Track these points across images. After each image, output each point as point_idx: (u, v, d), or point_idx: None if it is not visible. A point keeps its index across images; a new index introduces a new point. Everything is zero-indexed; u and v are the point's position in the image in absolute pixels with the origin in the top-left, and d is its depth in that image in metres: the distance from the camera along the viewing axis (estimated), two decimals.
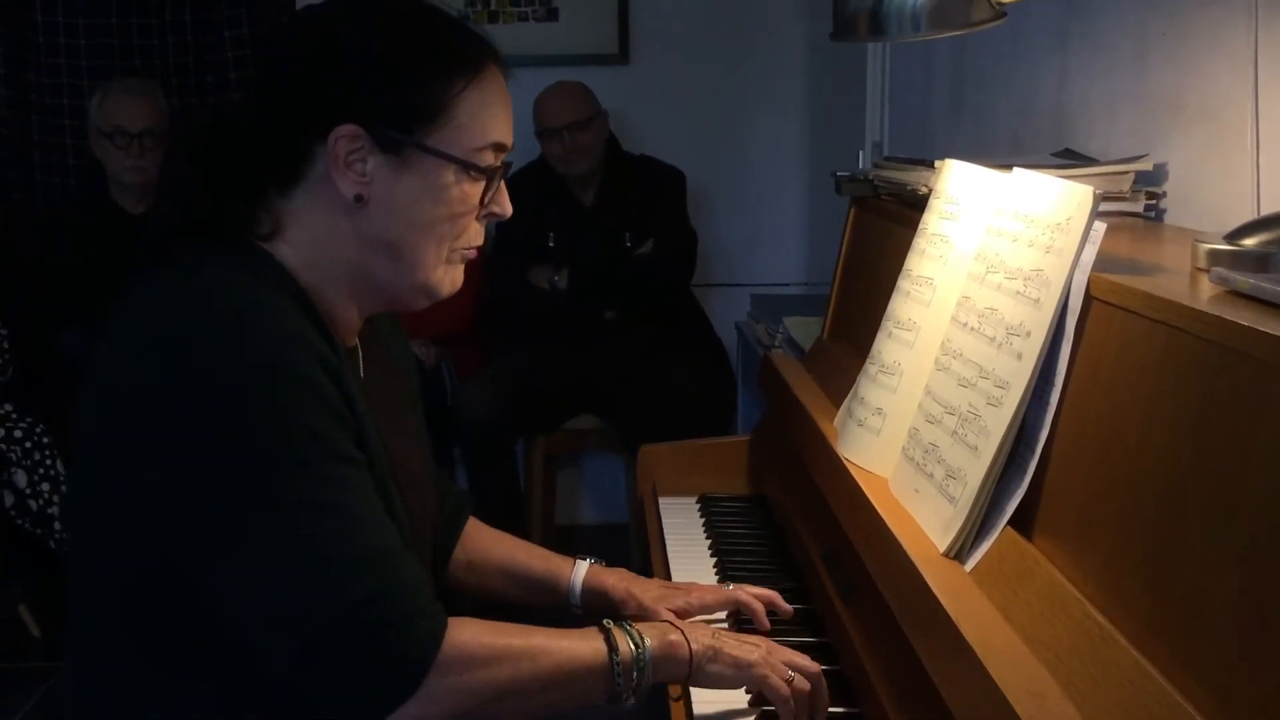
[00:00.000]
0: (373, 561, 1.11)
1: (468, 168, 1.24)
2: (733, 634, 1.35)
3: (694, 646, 1.26)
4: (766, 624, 1.51)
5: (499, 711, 1.19)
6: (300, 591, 1.10)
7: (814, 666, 1.31)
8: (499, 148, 1.27)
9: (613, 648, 1.22)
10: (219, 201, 1.24)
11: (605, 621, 1.25)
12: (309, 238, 1.24)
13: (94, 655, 1.24)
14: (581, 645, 1.22)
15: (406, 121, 1.22)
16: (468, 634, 1.16)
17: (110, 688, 1.22)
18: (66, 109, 3.96)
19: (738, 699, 1.33)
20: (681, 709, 1.36)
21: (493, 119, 1.26)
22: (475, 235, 1.30)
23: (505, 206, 1.31)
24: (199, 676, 1.18)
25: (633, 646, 1.23)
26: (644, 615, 1.49)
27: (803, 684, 1.29)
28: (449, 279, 1.29)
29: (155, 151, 3.55)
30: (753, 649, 1.30)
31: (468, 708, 1.15)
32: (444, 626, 1.15)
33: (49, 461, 3.33)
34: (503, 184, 1.31)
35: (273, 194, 1.25)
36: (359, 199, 1.22)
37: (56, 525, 3.30)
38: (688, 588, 1.55)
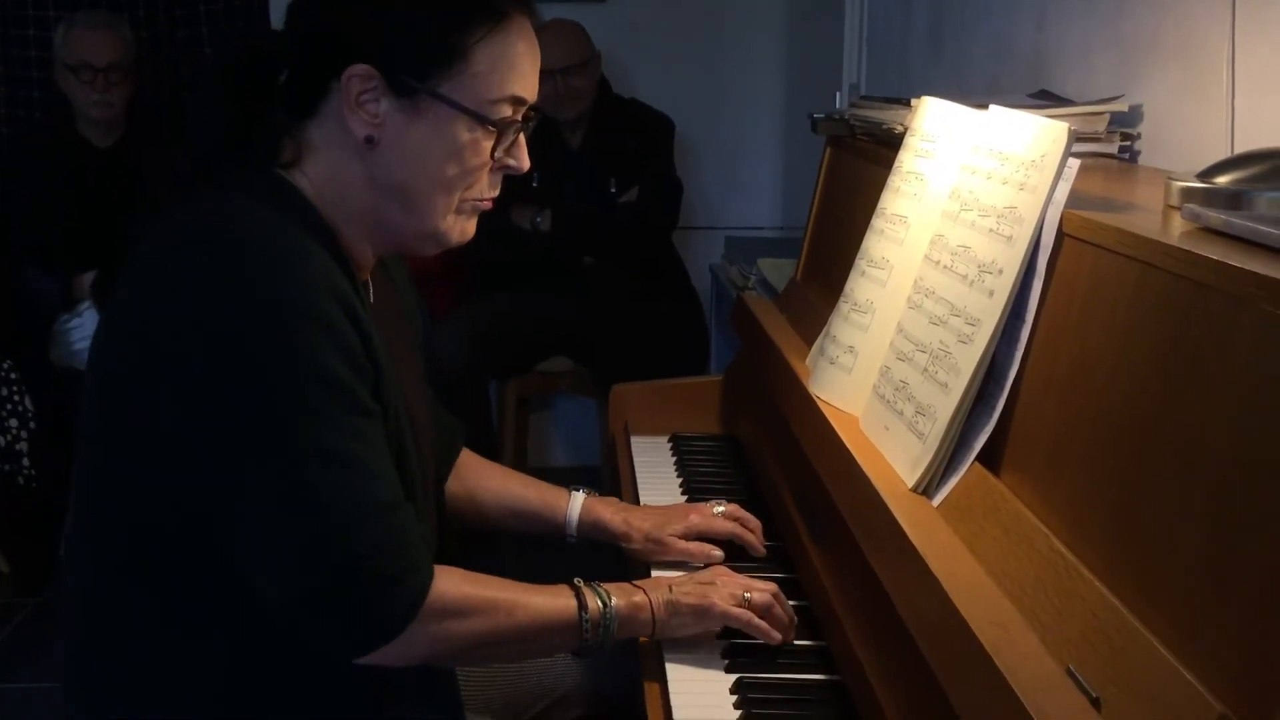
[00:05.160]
0: (372, 516, 1.14)
1: (481, 120, 1.22)
2: (688, 577, 1.39)
3: (655, 609, 1.32)
4: (761, 550, 1.59)
5: (475, 657, 1.33)
6: (299, 539, 1.13)
7: (769, 585, 1.36)
8: (518, 101, 1.25)
9: (582, 605, 1.28)
10: (248, 128, 1.23)
11: (576, 580, 1.31)
12: (325, 173, 1.24)
13: (96, 607, 1.24)
14: (555, 601, 1.28)
15: (421, 67, 1.20)
16: (450, 584, 1.21)
17: (115, 643, 1.23)
18: (33, 40, 3.88)
19: (721, 703, 1.27)
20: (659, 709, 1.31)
21: (512, 71, 1.23)
22: (488, 187, 1.28)
23: (522, 161, 1.29)
24: (212, 624, 1.20)
25: (600, 605, 1.29)
26: (652, 548, 1.55)
27: (760, 597, 1.35)
28: (458, 229, 1.28)
29: (122, 86, 3.48)
30: (707, 588, 1.35)
31: (444, 652, 1.24)
32: (430, 581, 1.18)
33: (17, 398, 3.31)
34: (521, 137, 1.28)
35: (294, 123, 1.24)
36: (370, 140, 1.21)
37: (25, 461, 3.28)
38: (684, 511, 1.60)
